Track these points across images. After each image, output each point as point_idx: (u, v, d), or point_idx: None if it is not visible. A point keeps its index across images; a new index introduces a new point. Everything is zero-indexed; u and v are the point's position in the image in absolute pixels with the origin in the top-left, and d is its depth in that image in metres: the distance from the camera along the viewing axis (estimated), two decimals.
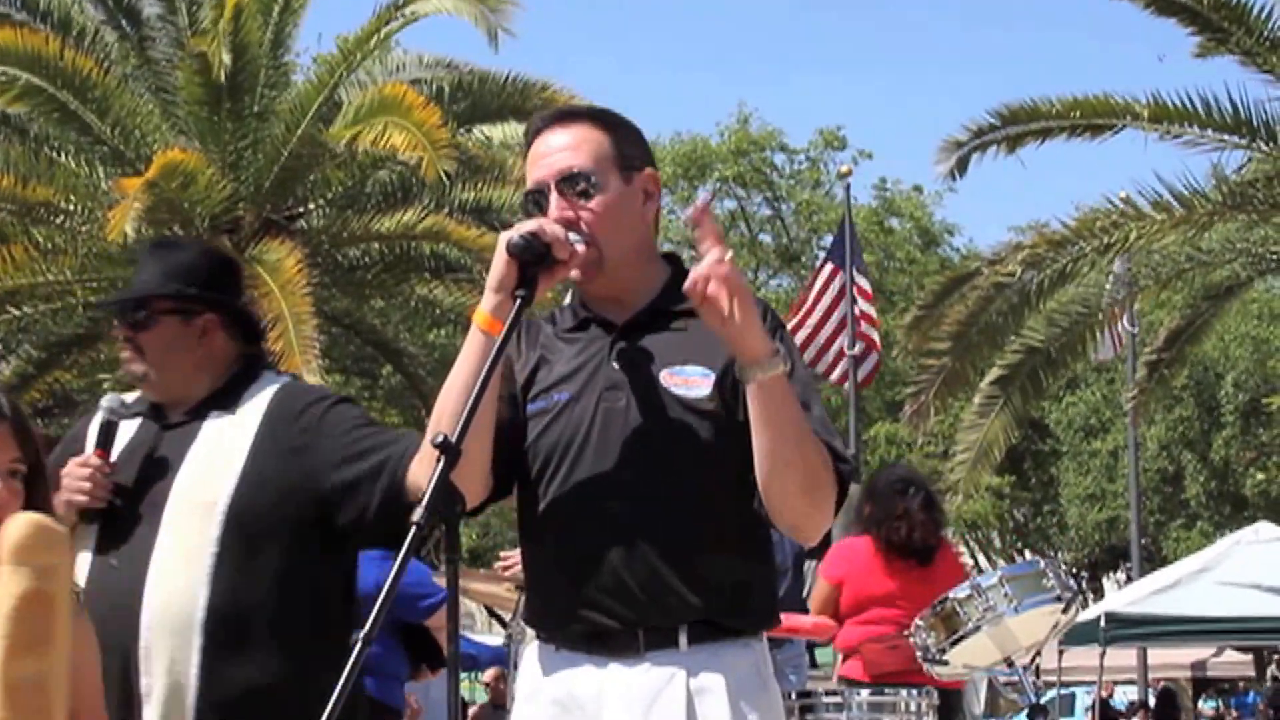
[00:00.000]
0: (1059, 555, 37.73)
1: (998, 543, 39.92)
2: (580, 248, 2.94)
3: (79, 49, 14.81)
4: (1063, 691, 24.08)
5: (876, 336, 17.72)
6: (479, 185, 15.85)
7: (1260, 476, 29.71)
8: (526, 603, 3.13)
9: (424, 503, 2.68)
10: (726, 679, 2.90)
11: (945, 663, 5.81)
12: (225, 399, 3.70)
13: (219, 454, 3.59)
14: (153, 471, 3.68)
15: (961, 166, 15.34)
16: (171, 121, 15.37)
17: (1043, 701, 6.33)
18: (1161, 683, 26.49)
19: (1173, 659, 25.71)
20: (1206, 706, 30.10)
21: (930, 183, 37.68)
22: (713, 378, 2.93)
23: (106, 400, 3.79)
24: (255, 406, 3.69)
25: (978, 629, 5.69)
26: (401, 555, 2.68)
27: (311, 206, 15.98)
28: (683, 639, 2.90)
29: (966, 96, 65.24)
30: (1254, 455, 30.15)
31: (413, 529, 2.66)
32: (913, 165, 74.95)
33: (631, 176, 3.01)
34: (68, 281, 15.20)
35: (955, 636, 5.74)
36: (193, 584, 3.49)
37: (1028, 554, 40.67)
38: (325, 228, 15.98)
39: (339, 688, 2.66)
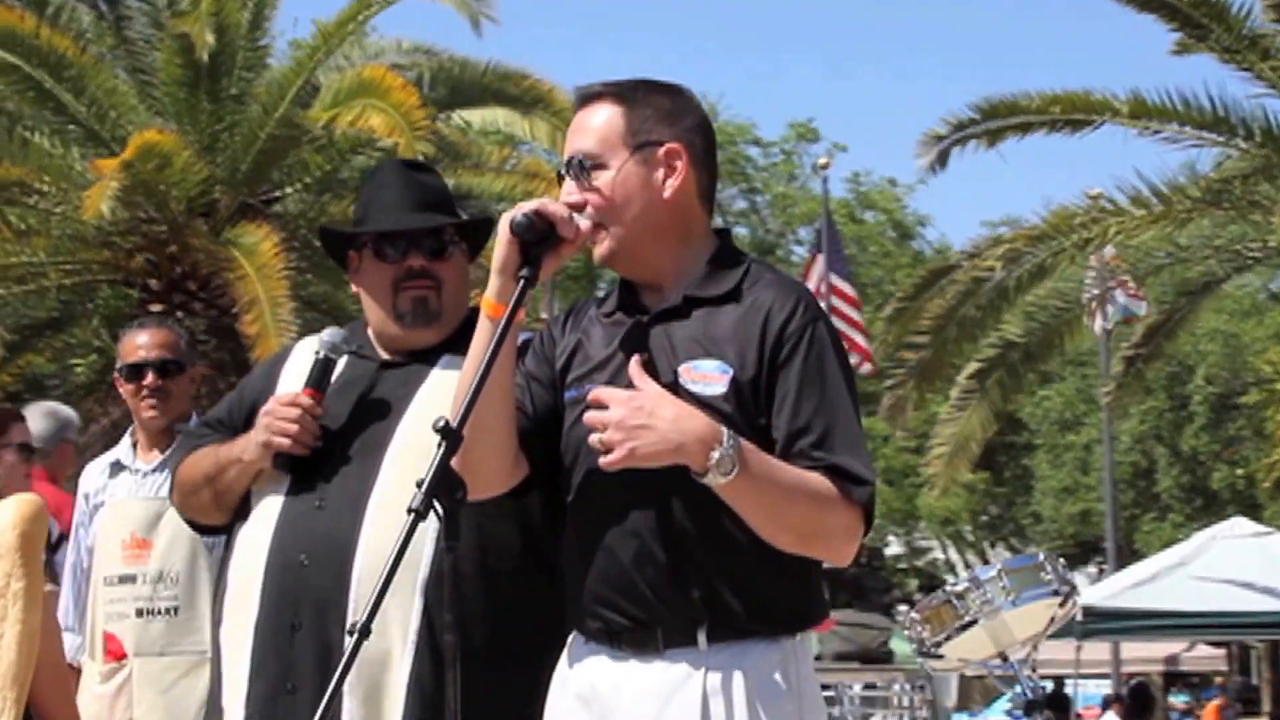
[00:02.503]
0: (1030, 549, 37.96)
1: (970, 537, 40.09)
2: (584, 224, 2.87)
3: (55, 27, 14.69)
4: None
5: (865, 343, 17.91)
6: (457, 171, 15.78)
7: (1230, 470, 29.90)
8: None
9: (423, 489, 2.62)
10: (746, 679, 2.79)
11: (940, 656, 5.76)
12: (460, 346, 3.20)
13: (449, 401, 3.23)
14: (369, 412, 3.37)
15: (942, 160, 15.39)
16: (148, 103, 15.28)
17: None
18: (1134, 676, 26.61)
19: (1145, 653, 25.83)
20: (1178, 700, 30.32)
21: (904, 176, 37.94)
22: (730, 374, 2.81)
23: (328, 334, 3.43)
24: None
25: (975, 622, 5.63)
26: (399, 542, 2.62)
27: (289, 190, 15.90)
28: (701, 638, 2.81)
29: (941, 89, 65.35)
30: (1222, 449, 30.37)
31: (411, 516, 2.62)
32: (887, 158, 75.14)
33: (648, 153, 2.90)
34: (41, 263, 15.04)
35: (951, 629, 5.69)
36: (416, 537, 3.11)
37: (1000, 548, 40.89)
38: (303, 212, 15.91)
39: (334, 682, 2.58)
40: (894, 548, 40.05)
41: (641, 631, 2.84)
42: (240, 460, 3.40)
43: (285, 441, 3.30)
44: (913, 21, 69.69)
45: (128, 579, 4.71)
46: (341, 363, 3.44)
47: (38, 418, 6.14)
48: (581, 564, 2.90)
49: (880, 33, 69.94)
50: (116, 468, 4.98)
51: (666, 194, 2.90)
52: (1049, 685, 20.72)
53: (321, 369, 3.36)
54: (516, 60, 16.95)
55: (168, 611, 4.68)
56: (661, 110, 2.94)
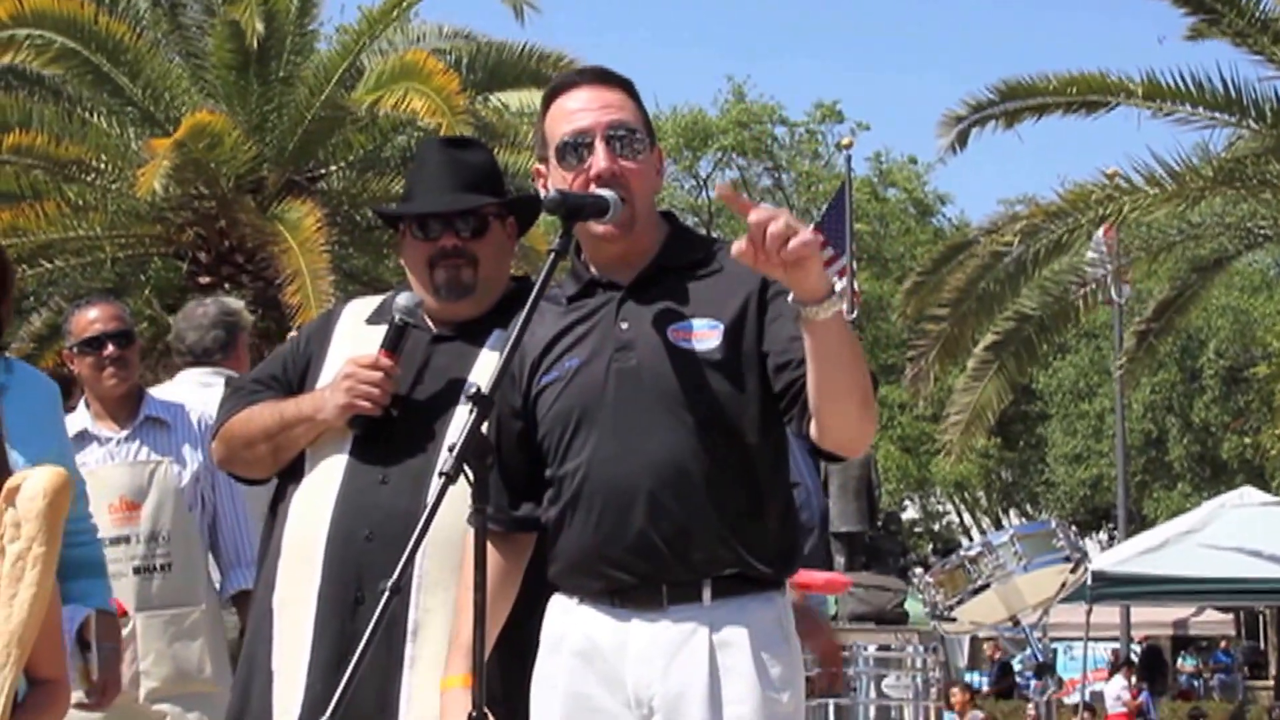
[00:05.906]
0: (1043, 515, 38.33)
1: (985, 503, 40.56)
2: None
3: (113, 14, 15.20)
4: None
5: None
6: (494, 151, 16.11)
7: (1238, 441, 30.24)
8: (550, 561, 3.07)
9: (454, 454, 2.70)
10: (750, 632, 2.90)
11: (953, 619, 6.15)
12: (506, 321, 3.21)
13: None
14: (427, 386, 3.43)
15: (962, 140, 15.70)
16: (200, 85, 15.76)
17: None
18: (1144, 640, 27.00)
19: (1155, 617, 26.21)
20: (1186, 664, 30.75)
21: (925, 155, 38.32)
22: (721, 328, 2.93)
23: (404, 299, 3.45)
24: None
25: (986, 586, 6.03)
26: (430, 507, 2.71)
27: (333, 168, 16.40)
28: (706, 593, 2.91)
29: (961, 71, 65.39)
30: (1232, 421, 30.71)
31: (442, 480, 2.70)
32: (908, 137, 75.21)
33: (653, 148, 3.13)
34: (97, 237, 15.59)
35: (964, 592, 6.11)
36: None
37: (1013, 514, 41.38)
38: (345, 189, 16.40)
39: (364, 641, 2.66)
40: (910, 512, 40.53)
41: (647, 589, 2.91)
42: (312, 419, 3.42)
43: (367, 406, 3.34)
44: (937, 4, 69.70)
45: (120, 540, 4.86)
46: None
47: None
48: (585, 532, 2.95)
49: (905, 15, 69.92)
50: (84, 437, 5.01)
51: (658, 186, 3.17)
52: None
53: (398, 333, 3.40)
54: (553, 43, 17.37)
55: (163, 568, 4.91)
56: (648, 117, 3.18)
